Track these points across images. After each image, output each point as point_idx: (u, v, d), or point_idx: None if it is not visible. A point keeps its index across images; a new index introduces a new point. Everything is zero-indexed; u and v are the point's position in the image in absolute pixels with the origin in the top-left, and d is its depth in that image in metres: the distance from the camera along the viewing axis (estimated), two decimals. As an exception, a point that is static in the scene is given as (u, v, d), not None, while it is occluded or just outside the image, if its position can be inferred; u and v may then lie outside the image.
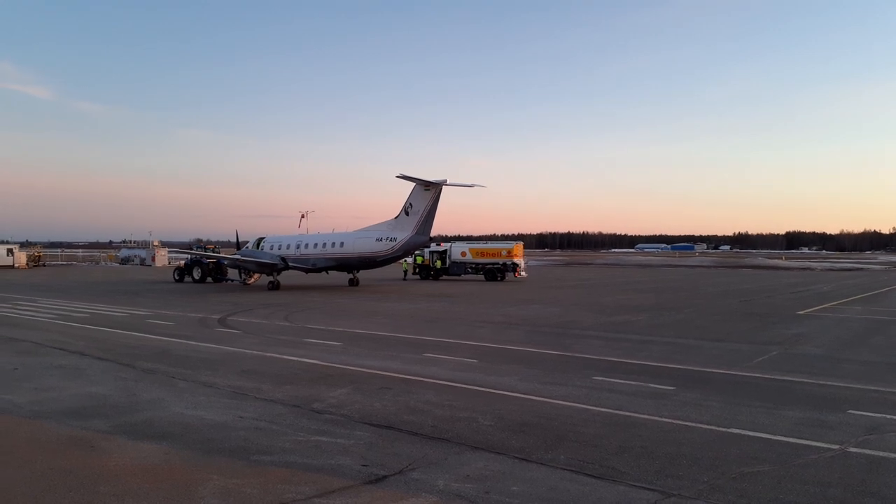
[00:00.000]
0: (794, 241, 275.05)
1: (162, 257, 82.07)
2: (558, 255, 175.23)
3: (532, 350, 16.71)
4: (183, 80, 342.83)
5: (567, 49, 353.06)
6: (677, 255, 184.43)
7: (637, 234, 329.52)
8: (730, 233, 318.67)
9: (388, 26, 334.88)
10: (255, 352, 16.12)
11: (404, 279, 52.96)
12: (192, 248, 58.46)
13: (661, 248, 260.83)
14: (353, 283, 43.69)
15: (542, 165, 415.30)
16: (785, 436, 8.93)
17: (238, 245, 46.73)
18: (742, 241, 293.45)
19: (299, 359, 15.11)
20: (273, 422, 9.58)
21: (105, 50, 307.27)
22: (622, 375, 13.14)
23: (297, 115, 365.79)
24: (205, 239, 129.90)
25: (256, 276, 44.24)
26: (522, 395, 11.37)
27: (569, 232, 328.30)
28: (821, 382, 12.72)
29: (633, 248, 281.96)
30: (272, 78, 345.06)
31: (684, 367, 14.27)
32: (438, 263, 53.23)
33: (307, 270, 43.09)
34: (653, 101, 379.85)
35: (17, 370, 13.59)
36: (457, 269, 53.18)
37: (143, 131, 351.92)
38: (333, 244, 42.34)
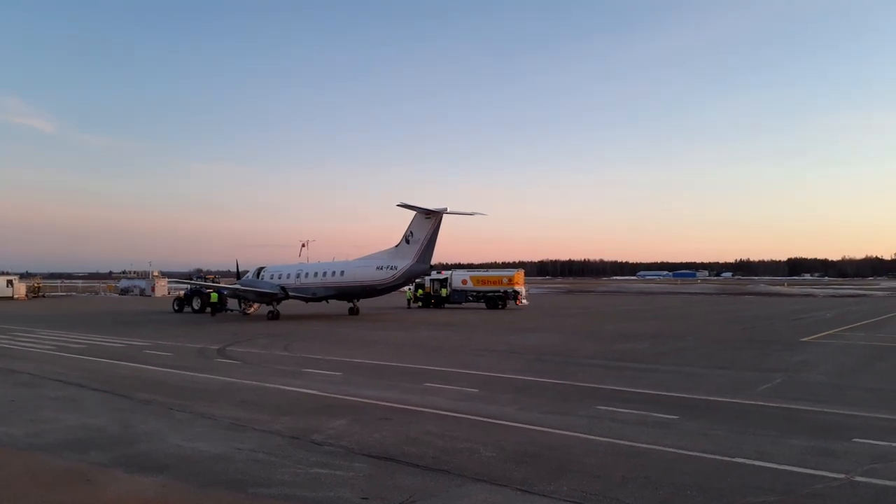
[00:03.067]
0: (795, 267, 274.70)
1: (162, 287, 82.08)
2: (559, 283, 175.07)
3: (534, 379, 16.60)
4: (183, 113, 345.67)
5: (564, 76, 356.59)
6: (679, 282, 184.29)
7: (639, 262, 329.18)
8: (731, 259, 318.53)
9: (387, 55, 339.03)
10: (253, 382, 16.02)
11: (408, 308, 52.89)
12: (192, 279, 58.49)
13: (663, 276, 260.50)
14: (354, 311, 43.61)
15: (543, 193, 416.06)
16: (790, 465, 8.83)
17: (238, 275, 46.75)
18: (744, 268, 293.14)
19: (298, 389, 15.02)
20: (271, 453, 9.48)
21: (105, 83, 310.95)
22: (625, 404, 13.04)
23: (297, 145, 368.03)
24: (205, 269, 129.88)
25: (256, 305, 44.21)
26: (524, 426, 11.26)
27: (570, 259, 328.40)
28: (826, 410, 12.61)
29: (634, 275, 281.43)
30: (272, 109, 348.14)
31: (688, 396, 14.17)
32: (444, 291, 53.22)
33: (307, 299, 43.07)
34: (652, 126, 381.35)
35: (14, 401, 13.50)
36: (458, 297, 53.19)
37: (144, 162, 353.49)
38: (334, 273, 42.38)
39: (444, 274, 54.93)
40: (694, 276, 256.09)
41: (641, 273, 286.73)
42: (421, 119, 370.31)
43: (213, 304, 45.83)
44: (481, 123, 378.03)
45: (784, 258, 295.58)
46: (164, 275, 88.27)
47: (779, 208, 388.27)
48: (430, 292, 53.70)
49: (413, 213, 40.03)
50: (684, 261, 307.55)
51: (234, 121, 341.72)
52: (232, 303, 46.62)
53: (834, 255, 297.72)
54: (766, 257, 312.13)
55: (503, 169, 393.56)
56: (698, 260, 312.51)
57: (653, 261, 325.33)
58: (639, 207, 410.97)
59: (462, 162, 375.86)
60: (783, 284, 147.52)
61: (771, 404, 13.21)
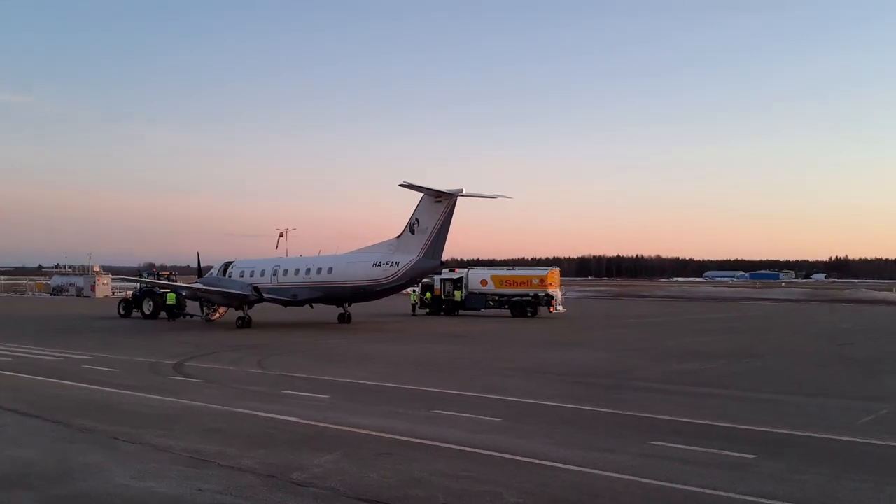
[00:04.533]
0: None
1: (104, 286, 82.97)
2: (605, 285, 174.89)
3: (572, 406, 16.63)
4: (134, 68, 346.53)
5: (615, 25, 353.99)
6: (758, 285, 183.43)
7: (706, 259, 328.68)
8: (824, 258, 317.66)
9: (398, 11, 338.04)
10: (219, 406, 16.16)
11: (413, 314, 52.99)
12: (141, 276, 58.97)
13: (738, 277, 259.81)
14: (345, 319, 43.83)
15: (584, 173, 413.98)
16: (899, 519, 8.79)
17: (200, 271, 47.12)
18: (840, 269, 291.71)
19: (276, 415, 15.12)
20: (241, 496, 9.56)
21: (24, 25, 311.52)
22: (688, 440, 13.02)
23: (273, 109, 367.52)
24: (158, 264, 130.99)
25: (223, 310, 44.50)
26: (559, 465, 11.28)
27: (618, 256, 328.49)
28: (945, 450, 12.53)
29: (701, 276, 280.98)
30: (245, 63, 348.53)
31: (767, 430, 14.13)
32: (458, 295, 53.10)
33: (286, 303, 43.32)
34: (723, 88, 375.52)
35: (-78, 428, 13.69)
36: (475, 302, 53.18)
37: (83, 128, 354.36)
38: (320, 270, 42.54)
39: (459, 273, 54.99)
40: (777, 277, 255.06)
41: (709, 274, 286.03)
42: (434, 83, 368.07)
43: (168, 308, 46.30)
44: (506, 86, 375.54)
45: (892, 257, 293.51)
46: (106, 270, 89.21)
47: (885, 195, 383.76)
48: (440, 295, 53.75)
49: (420, 195, 40.06)
50: (764, 259, 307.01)
51: (198, 79, 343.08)
52: (193, 306, 46.96)
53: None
54: (869, 255, 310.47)
55: (534, 141, 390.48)
56: (782, 258, 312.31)
57: (724, 258, 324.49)
58: (706, 193, 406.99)
59: (482, 131, 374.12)
60: (890, 290, 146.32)
61: (874, 441, 13.13)
